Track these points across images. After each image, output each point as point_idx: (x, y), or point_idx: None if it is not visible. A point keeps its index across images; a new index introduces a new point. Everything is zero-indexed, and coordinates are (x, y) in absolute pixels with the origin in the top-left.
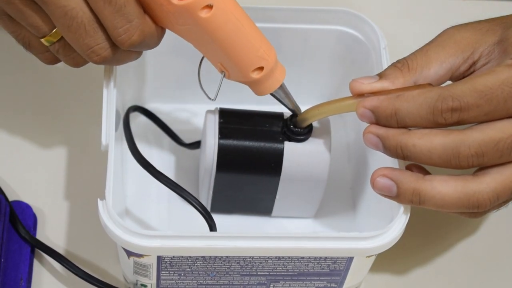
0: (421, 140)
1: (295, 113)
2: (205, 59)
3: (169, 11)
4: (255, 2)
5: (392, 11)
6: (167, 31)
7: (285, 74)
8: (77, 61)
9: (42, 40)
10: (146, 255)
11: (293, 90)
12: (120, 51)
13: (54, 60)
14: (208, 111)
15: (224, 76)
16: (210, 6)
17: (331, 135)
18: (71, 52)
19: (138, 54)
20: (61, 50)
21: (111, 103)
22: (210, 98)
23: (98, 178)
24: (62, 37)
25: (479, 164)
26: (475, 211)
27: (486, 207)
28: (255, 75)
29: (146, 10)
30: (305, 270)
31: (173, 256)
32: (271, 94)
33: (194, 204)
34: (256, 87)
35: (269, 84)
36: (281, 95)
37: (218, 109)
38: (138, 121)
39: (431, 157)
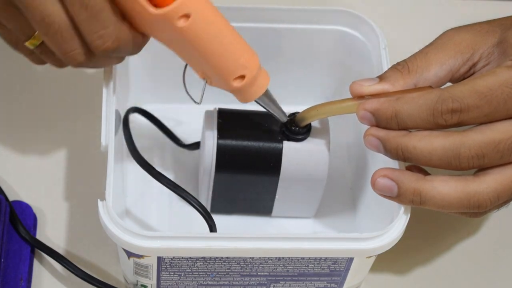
0: (421, 142)
1: (280, 119)
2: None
3: (147, 19)
4: (256, 2)
5: (392, 11)
6: None
7: (269, 81)
8: (61, 63)
9: (26, 43)
10: (146, 256)
11: (292, 90)
12: (97, 56)
13: (41, 61)
14: (207, 112)
15: (206, 82)
16: (187, 16)
17: (330, 135)
18: (53, 55)
19: (119, 59)
20: (44, 52)
21: (110, 104)
22: (196, 102)
23: (98, 179)
24: None
25: (480, 166)
26: (476, 211)
27: (487, 207)
28: (237, 84)
29: (125, 17)
30: (305, 271)
31: (173, 257)
32: (256, 101)
33: (194, 204)
34: (239, 95)
35: (253, 91)
36: (265, 101)
37: (217, 109)
38: (138, 122)
39: (432, 159)
